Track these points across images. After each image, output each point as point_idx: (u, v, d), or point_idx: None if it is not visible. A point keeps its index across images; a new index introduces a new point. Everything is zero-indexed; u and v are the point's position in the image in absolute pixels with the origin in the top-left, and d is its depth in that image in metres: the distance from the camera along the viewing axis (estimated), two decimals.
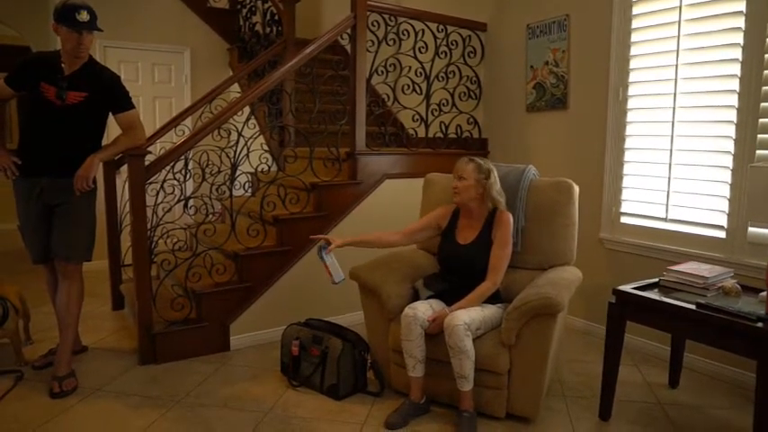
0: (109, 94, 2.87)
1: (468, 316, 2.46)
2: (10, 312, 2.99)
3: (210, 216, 3.63)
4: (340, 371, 2.74)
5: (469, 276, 2.70)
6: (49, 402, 2.67)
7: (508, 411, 2.55)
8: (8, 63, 2.99)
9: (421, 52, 4.08)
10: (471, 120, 4.37)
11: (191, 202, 3.53)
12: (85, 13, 2.67)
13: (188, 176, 3.65)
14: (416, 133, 4.26)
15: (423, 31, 4.11)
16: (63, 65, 2.75)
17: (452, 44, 4.21)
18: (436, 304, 2.68)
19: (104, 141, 3.03)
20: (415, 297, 2.83)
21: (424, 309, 2.59)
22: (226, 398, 2.75)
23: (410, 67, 4.11)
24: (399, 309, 2.77)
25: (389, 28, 3.95)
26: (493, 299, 2.71)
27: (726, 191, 2.96)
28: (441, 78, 4.20)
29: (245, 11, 5.43)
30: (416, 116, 4.15)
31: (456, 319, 2.42)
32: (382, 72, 3.97)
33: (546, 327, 2.43)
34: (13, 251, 5.29)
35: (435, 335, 2.52)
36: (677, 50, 3.12)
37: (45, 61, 2.77)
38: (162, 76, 5.39)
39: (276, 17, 4.96)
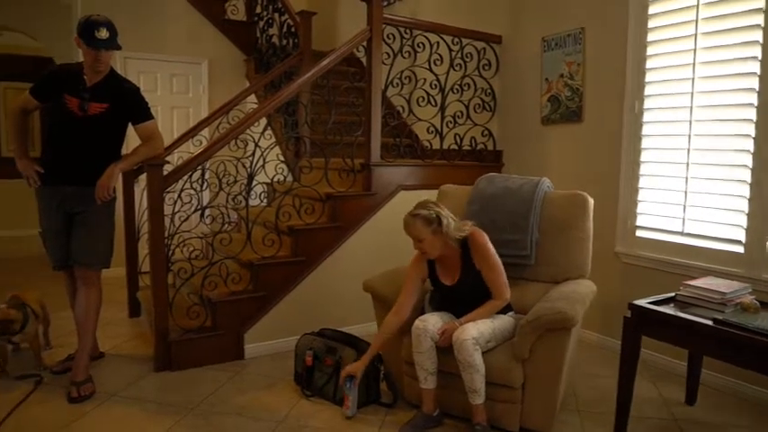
0: (129, 105, 2.93)
1: (477, 330, 2.46)
2: (30, 318, 3.04)
3: (227, 225, 3.67)
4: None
5: (470, 306, 2.62)
6: (67, 407, 2.71)
7: (521, 425, 2.54)
8: (32, 73, 3.06)
9: (436, 65, 4.11)
10: (486, 132, 4.39)
11: (207, 211, 3.58)
12: (105, 30, 2.71)
13: (205, 186, 3.70)
14: (431, 145, 4.27)
15: (438, 43, 4.14)
16: (85, 76, 2.81)
17: (467, 56, 4.24)
18: (447, 316, 2.67)
19: (124, 151, 3.08)
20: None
21: (435, 321, 2.58)
22: (239, 406, 2.77)
23: (425, 80, 4.14)
24: (412, 320, 2.77)
25: (405, 41, 3.98)
26: (503, 309, 2.69)
27: (744, 205, 2.93)
28: (455, 90, 4.22)
29: (262, 23, 5.51)
30: (431, 128, 4.18)
31: (464, 334, 2.41)
32: (397, 84, 4.00)
33: (559, 341, 2.43)
34: (36, 256, 5.36)
35: (447, 347, 2.51)
36: (693, 63, 3.11)
37: (68, 73, 2.84)
38: (180, 87, 5.48)
39: (293, 29, 5.02)
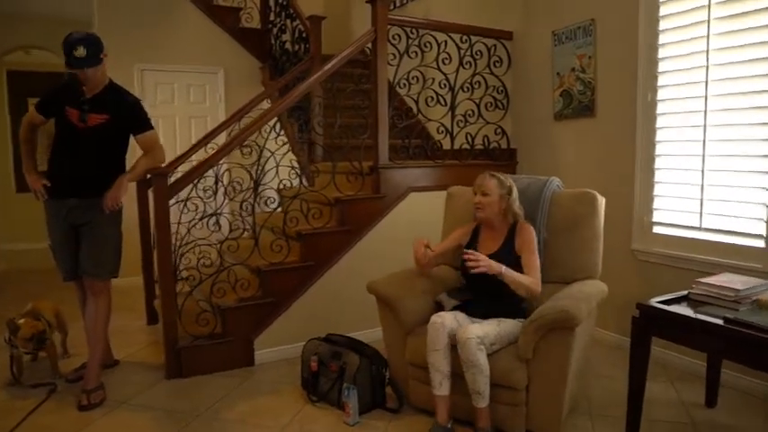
0: (129, 116, 2.97)
1: (482, 330, 2.41)
2: (46, 327, 3.11)
3: (244, 232, 3.66)
4: (357, 386, 2.71)
5: (494, 287, 2.62)
6: (76, 414, 2.76)
7: (528, 429, 2.46)
8: None
9: (444, 63, 4.04)
10: (499, 130, 4.30)
11: (225, 218, 3.59)
12: (81, 48, 2.68)
13: (217, 193, 3.71)
14: (441, 145, 4.22)
15: (445, 42, 4.08)
16: (84, 88, 2.86)
17: (477, 54, 4.16)
18: (460, 317, 2.62)
19: (128, 163, 3.12)
20: (437, 310, 2.78)
21: (452, 320, 2.53)
22: (244, 413, 2.77)
23: (433, 79, 4.09)
24: (417, 323, 2.75)
25: (411, 40, 3.94)
26: (513, 313, 2.64)
27: (764, 197, 2.79)
28: (466, 89, 4.15)
29: (275, 30, 5.54)
30: (441, 128, 4.12)
31: (468, 333, 2.36)
32: (405, 85, 3.95)
33: (564, 341, 2.35)
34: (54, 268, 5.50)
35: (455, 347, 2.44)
36: (707, 51, 2.98)
37: (69, 86, 2.89)
38: (197, 97, 5.56)
39: (304, 34, 5.04)
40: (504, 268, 2.49)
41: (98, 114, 2.87)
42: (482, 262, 2.46)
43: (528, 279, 2.56)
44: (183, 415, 2.75)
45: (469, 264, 2.46)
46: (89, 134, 2.88)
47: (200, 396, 2.96)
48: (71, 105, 2.85)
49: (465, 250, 2.53)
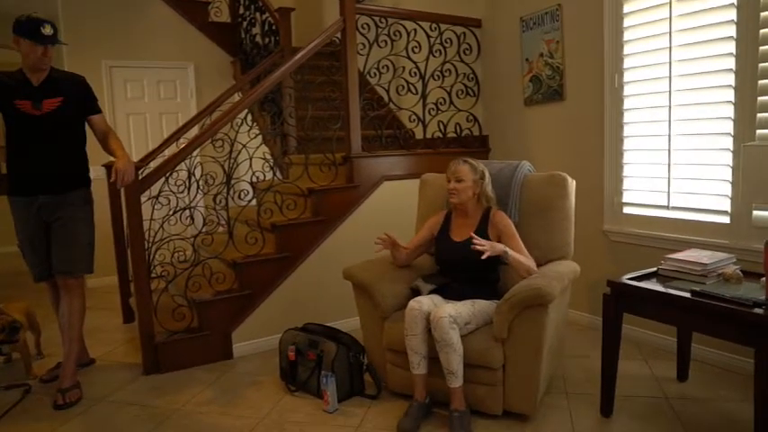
0: (84, 93, 2.96)
1: (455, 309, 2.44)
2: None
3: (219, 226, 3.63)
4: (335, 374, 2.72)
5: (469, 271, 2.69)
6: (52, 414, 2.72)
7: (505, 408, 2.50)
8: None
9: (414, 52, 4.06)
10: (471, 117, 4.33)
11: (199, 212, 3.56)
12: (49, 27, 2.75)
13: (190, 187, 3.68)
14: (414, 134, 4.23)
15: (415, 30, 4.08)
16: (29, 78, 2.82)
17: (447, 42, 4.18)
18: (437, 299, 2.65)
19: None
20: (413, 296, 2.79)
21: (429, 303, 2.55)
22: (223, 405, 2.76)
23: (404, 68, 4.10)
24: (393, 308, 2.76)
25: (380, 30, 3.94)
26: (488, 295, 2.67)
27: (728, 174, 2.86)
28: (436, 77, 4.17)
29: (245, 23, 5.50)
30: (413, 117, 4.13)
31: (441, 312, 2.39)
32: (375, 74, 3.95)
33: (537, 318, 2.38)
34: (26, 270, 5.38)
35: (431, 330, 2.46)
36: (670, 32, 3.04)
37: (12, 79, 2.83)
38: (167, 93, 5.49)
39: (274, 27, 5.00)
40: (507, 249, 2.54)
41: (52, 99, 2.83)
42: (486, 245, 2.47)
43: (528, 260, 2.61)
44: (161, 410, 2.73)
45: (476, 249, 2.46)
46: (46, 121, 2.82)
47: (179, 391, 2.94)
48: (20, 98, 2.79)
49: (472, 234, 2.55)
